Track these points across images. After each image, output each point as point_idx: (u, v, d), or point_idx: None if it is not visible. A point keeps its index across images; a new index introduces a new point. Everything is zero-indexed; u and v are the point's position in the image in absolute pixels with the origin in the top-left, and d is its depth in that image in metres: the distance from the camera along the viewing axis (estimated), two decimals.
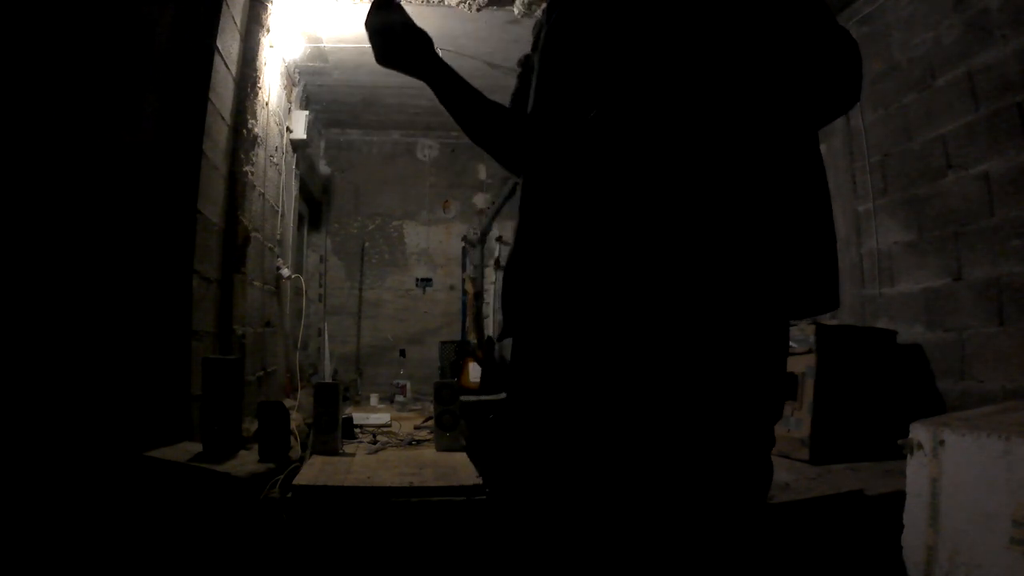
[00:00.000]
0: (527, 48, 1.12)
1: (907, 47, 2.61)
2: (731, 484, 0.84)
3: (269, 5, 2.51)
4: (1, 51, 1.74)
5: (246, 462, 1.67)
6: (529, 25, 1.30)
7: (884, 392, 2.31)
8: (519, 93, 1.10)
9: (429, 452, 2.08)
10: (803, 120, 0.88)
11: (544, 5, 1.06)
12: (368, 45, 1.00)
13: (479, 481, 1.63)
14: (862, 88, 0.91)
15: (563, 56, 0.94)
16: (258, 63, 2.42)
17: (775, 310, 0.84)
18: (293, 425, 1.93)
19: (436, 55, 1.00)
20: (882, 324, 2.72)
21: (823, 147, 3.14)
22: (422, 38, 0.99)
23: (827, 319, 3.07)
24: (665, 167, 0.81)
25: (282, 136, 3.18)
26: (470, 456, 1.95)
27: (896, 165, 2.69)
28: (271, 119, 2.86)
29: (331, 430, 1.98)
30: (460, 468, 1.80)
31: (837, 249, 0.89)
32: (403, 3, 1.02)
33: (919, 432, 1.40)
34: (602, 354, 0.86)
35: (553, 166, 0.91)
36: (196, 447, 1.71)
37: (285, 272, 3.19)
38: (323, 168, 4.79)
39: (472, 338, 3.82)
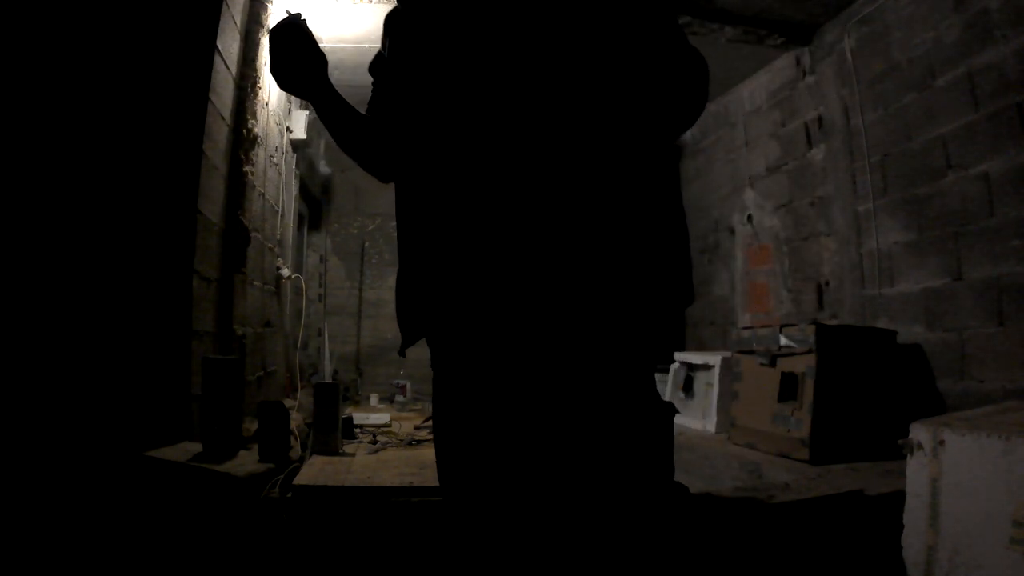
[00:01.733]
0: None
1: (907, 47, 2.61)
2: (622, 448, 0.91)
3: (269, 5, 2.51)
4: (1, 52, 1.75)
5: (246, 462, 1.67)
6: None
7: (884, 392, 2.31)
8: (376, 100, 1.15)
9: (429, 452, 2.07)
10: (649, 132, 0.93)
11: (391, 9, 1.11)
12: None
13: None
14: (706, 103, 0.97)
15: (413, 80, 1.00)
16: (258, 63, 2.42)
17: (634, 305, 0.90)
18: (293, 425, 1.93)
19: (325, 80, 1.06)
20: (882, 324, 2.72)
21: (823, 147, 3.16)
22: (317, 63, 1.03)
23: (827, 319, 3.07)
24: (524, 180, 0.87)
25: (282, 136, 3.18)
26: None
27: (896, 165, 2.69)
28: (271, 119, 2.86)
29: (331, 430, 1.97)
30: None
31: (688, 252, 0.97)
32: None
33: (919, 432, 1.40)
34: (485, 348, 0.94)
35: (419, 189, 0.97)
36: (196, 447, 1.71)
37: (285, 272, 3.19)
38: (323, 168, 4.79)
39: None
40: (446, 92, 0.93)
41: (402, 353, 1.06)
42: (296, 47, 1.00)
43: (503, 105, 0.88)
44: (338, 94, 1.08)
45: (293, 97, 3.37)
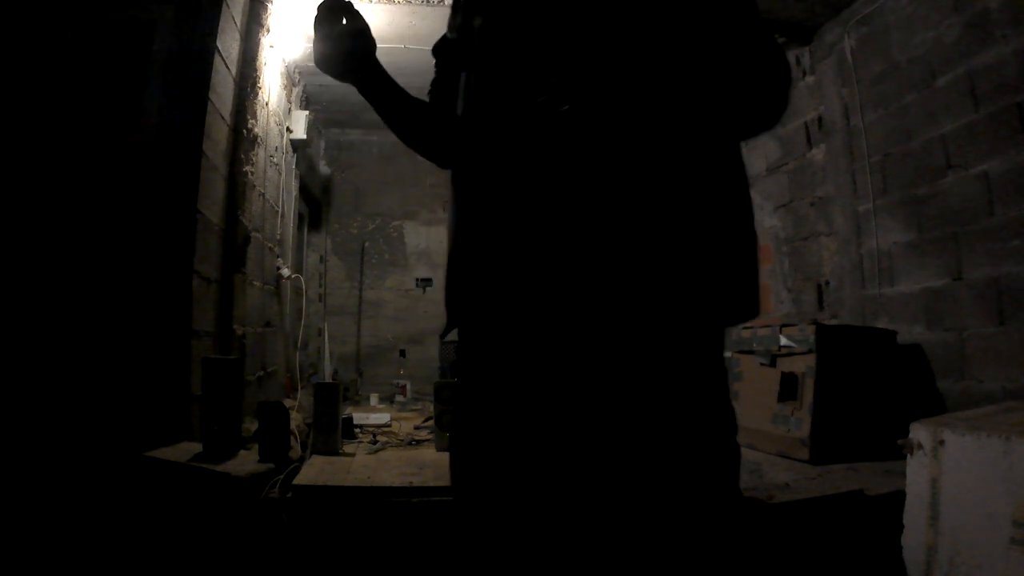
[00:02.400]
0: None
1: (907, 47, 2.61)
2: (686, 470, 0.87)
3: (269, 5, 2.51)
4: (2, 51, 1.75)
5: (246, 462, 1.67)
6: None
7: (884, 392, 2.30)
8: (439, 82, 1.10)
9: (429, 452, 2.08)
10: (728, 133, 0.90)
11: None
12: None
13: None
14: (788, 103, 0.92)
15: (502, 55, 0.93)
16: (258, 63, 2.42)
17: (694, 315, 0.85)
18: (293, 425, 1.93)
19: (373, 65, 0.97)
20: (882, 324, 2.72)
21: (823, 147, 3.16)
22: (364, 48, 0.94)
23: (827, 319, 3.07)
24: (600, 170, 0.83)
25: (282, 136, 3.18)
26: None
27: (896, 165, 2.69)
28: (271, 119, 2.86)
29: (331, 430, 1.98)
30: None
31: (757, 259, 0.91)
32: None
33: (919, 432, 1.40)
34: (536, 345, 0.89)
35: (489, 162, 0.91)
36: (196, 447, 1.71)
37: (285, 272, 3.19)
38: (323, 168, 4.79)
39: None
40: (513, 75, 0.88)
41: (442, 337, 1.02)
42: (341, 28, 0.90)
43: (572, 94, 0.82)
44: (390, 78, 0.99)
45: (293, 97, 3.37)
